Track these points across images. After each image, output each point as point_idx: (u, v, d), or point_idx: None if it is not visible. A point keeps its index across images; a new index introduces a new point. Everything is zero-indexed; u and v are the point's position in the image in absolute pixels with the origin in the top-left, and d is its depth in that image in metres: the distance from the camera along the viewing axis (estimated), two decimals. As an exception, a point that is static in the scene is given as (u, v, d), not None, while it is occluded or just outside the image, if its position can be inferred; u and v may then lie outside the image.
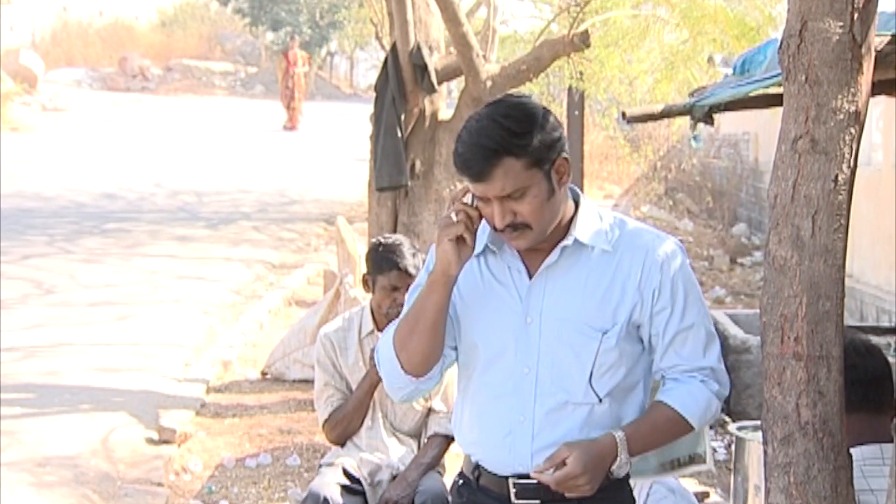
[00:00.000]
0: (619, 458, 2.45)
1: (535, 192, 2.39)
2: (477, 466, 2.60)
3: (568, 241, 2.48)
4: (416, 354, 2.52)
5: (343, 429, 4.21)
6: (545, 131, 2.40)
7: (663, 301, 2.48)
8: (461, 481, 2.67)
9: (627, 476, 2.59)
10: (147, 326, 8.35)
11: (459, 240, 2.42)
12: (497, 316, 2.52)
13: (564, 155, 2.45)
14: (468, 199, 2.44)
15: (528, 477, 2.48)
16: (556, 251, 2.48)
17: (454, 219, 2.42)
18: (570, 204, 2.53)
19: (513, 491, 2.53)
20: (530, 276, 2.51)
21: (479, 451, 2.59)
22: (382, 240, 4.16)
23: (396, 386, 2.60)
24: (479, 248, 2.52)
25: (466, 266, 2.51)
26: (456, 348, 2.61)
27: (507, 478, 2.53)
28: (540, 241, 2.47)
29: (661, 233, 2.58)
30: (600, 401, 2.48)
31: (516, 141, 2.36)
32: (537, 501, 2.51)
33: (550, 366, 2.48)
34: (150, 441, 6.03)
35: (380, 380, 3.82)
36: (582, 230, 2.49)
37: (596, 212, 2.55)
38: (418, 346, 2.51)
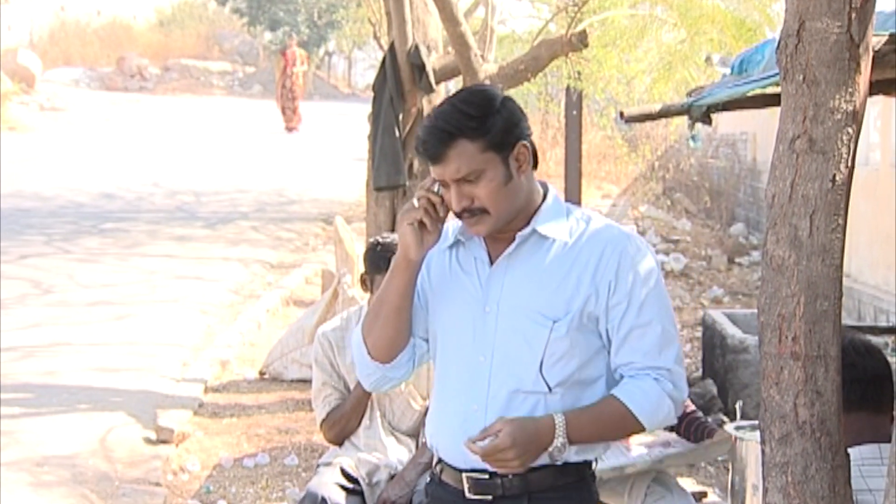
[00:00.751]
0: (556, 441, 2.43)
1: (490, 175, 2.43)
2: (440, 461, 2.62)
3: (526, 231, 2.50)
4: (381, 339, 2.56)
5: (341, 428, 4.21)
6: (503, 116, 2.44)
7: (619, 295, 2.47)
8: (429, 478, 2.69)
9: (591, 475, 2.58)
10: (145, 326, 8.35)
11: (420, 225, 2.47)
12: (460, 305, 2.55)
13: (525, 142, 2.48)
14: (435, 187, 2.49)
15: (482, 471, 2.49)
16: (515, 241, 2.51)
17: (416, 205, 2.47)
18: (539, 196, 2.55)
19: (466, 485, 2.53)
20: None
21: (438, 442, 2.61)
22: (380, 239, 4.17)
23: (365, 373, 2.63)
24: (451, 240, 2.58)
25: (438, 258, 2.58)
26: (428, 340, 2.63)
27: (462, 472, 2.54)
28: (500, 229, 2.49)
29: (628, 230, 2.58)
30: (550, 390, 2.48)
31: (471, 124, 2.41)
32: (489, 497, 2.51)
33: (504, 354, 2.49)
34: (149, 441, 6.04)
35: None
36: (543, 221, 2.51)
37: (563, 206, 2.58)
38: (382, 331, 2.55)
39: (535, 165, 2.52)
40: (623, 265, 2.47)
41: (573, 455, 2.49)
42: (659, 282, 2.52)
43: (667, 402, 2.48)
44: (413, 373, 2.68)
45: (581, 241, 2.50)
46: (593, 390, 2.52)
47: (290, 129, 23.76)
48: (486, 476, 2.49)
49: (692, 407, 4.35)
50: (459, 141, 2.41)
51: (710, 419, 4.77)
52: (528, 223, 2.51)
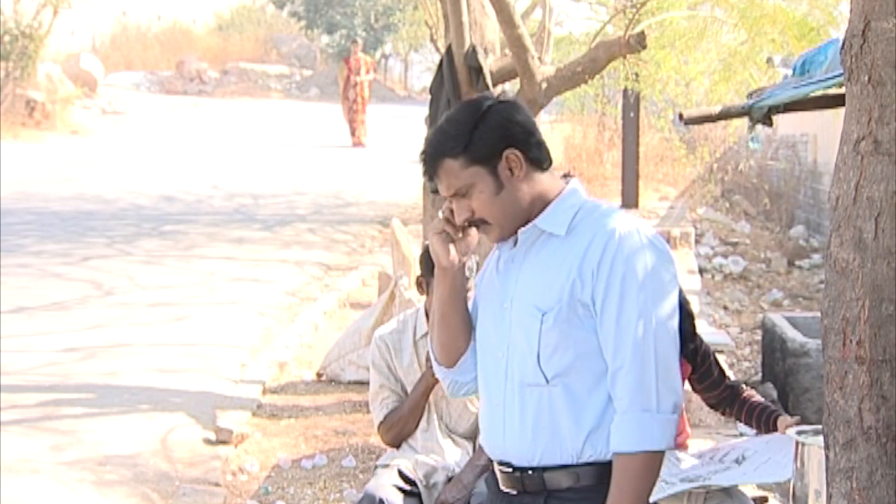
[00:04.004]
0: None
1: (480, 188, 2.52)
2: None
3: (527, 228, 2.56)
4: (439, 345, 2.69)
5: (398, 431, 4.22)
6: (484, 130, 2.50)
7: (601, 283, 2.45)
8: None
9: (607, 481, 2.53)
10: (204, 327, 8.43)
11: (445, 234, 2.59)
12: (489, 305, 2.65)
13: (514, 150, 2.51)
14: None
15: (507, 465, 2.58)
16: (519, 239, 2.57)
17: (441, 216, 2.61)
18: (554, 193, 2.57)
19: (499, 477, 2.63)
20: None
21: (482, 437, 2.72)
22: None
23: (441, 377, 2.75)
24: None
25: (491, 266, 2.67)
26: None
27: (496, 464, 2.64)
28: (512, 233, 2.56)
29: (627, 219, 2.54)
30: (547, 382, 2.51)
31: (451, 143, 2.51)
32: (514, 492, 2.59)
33: (514, 349, 2.56)
34: (208, 441, 6.09)
35: (435, 381, 3.85)
36: (546, 217, 2.55)
37: (577, 199, 2.57)
38: (438, 336, 2.68)
39: (542, 167, 2.55)
40: (607, 254, 2.45)
41: (586, 455, 2.50)
42: (651, 277, 2.45)
43: (645, 419, 2.43)
44: None
45: (576, 232, 2.52)
46: (598, 381, 2.49)
47: (357, 145, 21.43)
48: (510, 470, 2.58)
49: (750, 391, 4.29)
50: (444, 161, 2.52)
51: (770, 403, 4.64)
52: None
